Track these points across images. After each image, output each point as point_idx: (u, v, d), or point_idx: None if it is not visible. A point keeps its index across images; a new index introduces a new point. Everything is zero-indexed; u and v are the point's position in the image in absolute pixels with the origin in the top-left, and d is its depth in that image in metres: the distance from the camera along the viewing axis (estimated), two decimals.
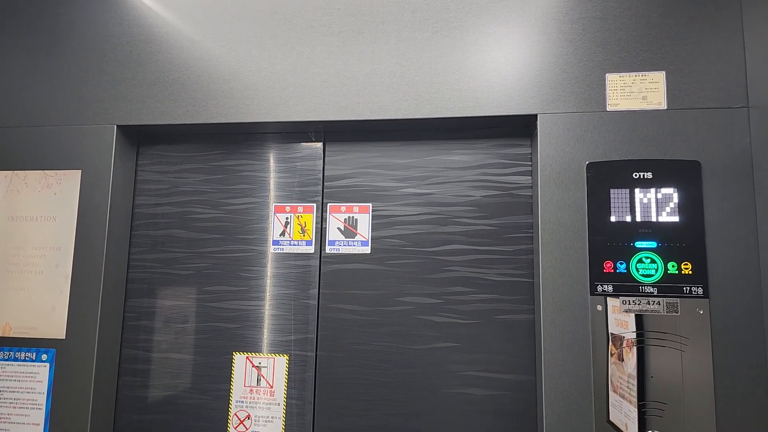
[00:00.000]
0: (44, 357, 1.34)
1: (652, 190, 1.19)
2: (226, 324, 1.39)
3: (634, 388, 1.12)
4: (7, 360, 1.36)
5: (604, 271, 1.18)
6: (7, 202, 1.42)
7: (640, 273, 1.17)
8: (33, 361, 1.35)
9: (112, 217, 1.38)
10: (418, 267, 1.34)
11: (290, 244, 1.40)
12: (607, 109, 1.23)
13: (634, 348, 1.14)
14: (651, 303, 1.16)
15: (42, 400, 1.33)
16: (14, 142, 1.43)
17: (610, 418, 1.14)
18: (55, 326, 1.35)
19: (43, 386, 1.33)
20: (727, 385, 1.11)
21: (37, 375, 1.34)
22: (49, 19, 1.48)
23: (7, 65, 1.47)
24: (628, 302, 1.16)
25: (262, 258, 1.41)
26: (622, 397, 1.13)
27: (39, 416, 1.33)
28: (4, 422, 1.34)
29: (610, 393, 1.14)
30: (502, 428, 1.27)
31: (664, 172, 1.19)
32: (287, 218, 1.41)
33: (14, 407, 1.34)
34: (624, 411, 1.13)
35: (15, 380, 1.35)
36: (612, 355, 1.15)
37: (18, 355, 1.36)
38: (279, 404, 1.34)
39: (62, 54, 1.45)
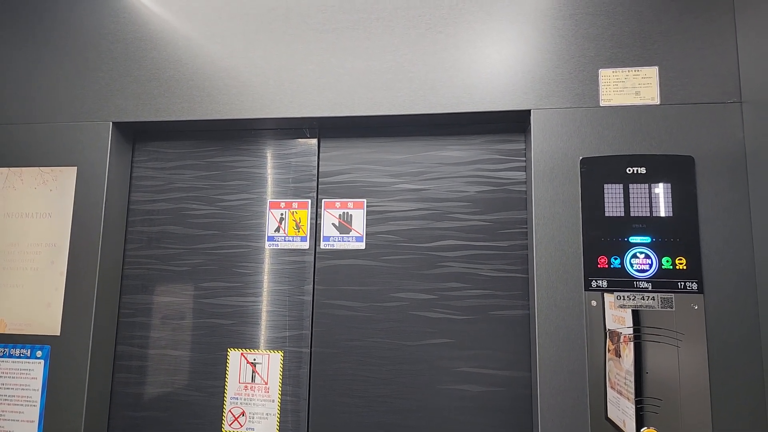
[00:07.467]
0: (39, 353, 1.34)
1: (646, 185, 1.19)
2: (221, 320, 1.39)
3: (632, 385, 1.12)
4: (1, 356, 1.36)
5: (599, 266, 1.18)
6: (3, 198, 1.42)
7: (634, 268, 1.17)
8: (27, 357, 1.35)
9: (107, 213, 1.38)
10: (412, 263, 1.34)
11: (285, 240, 1.40)
12: (601, 105, 1.23)
13: (631, 344, 1.13)
14: (645, 298, 1.15)
15: (36, 396, 1.33)
16: (10, 138, 1.44)
17: (609, 415, 1.13)
18: (50, 323, 1.35)
19: (38, 383, 1.33)
20: (722, 380, 1.10)
21: (32, 371, 1.34)
22: (44, 17, 1.48)
23: (2, 62, 1.48)
24: (622, 298, 1.16)
25: (257, 254, 1.41)
26: (620, 393, 1.13)
27: (33, 413, 1.32)
28: None
29: (608, 389, 1.14)
30: (498, 424, 1.26)
31: (657, 167, 1.19)
32: (282, 214, 1.41)
33: (8, 404, 1.34)
34: (622, 408, 1.12)
35: (9, 377, 1.35)
36: (609, 351, 1.14)
37: (13, 351, 1.36)
38: (274, 401, 1.34)
39: (58, 51, 1.46)
